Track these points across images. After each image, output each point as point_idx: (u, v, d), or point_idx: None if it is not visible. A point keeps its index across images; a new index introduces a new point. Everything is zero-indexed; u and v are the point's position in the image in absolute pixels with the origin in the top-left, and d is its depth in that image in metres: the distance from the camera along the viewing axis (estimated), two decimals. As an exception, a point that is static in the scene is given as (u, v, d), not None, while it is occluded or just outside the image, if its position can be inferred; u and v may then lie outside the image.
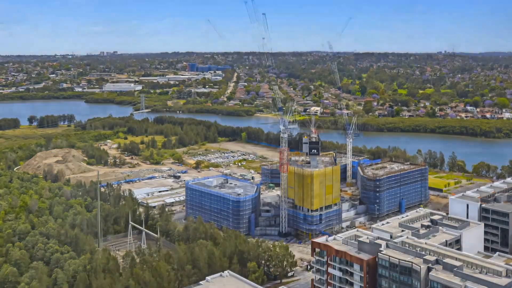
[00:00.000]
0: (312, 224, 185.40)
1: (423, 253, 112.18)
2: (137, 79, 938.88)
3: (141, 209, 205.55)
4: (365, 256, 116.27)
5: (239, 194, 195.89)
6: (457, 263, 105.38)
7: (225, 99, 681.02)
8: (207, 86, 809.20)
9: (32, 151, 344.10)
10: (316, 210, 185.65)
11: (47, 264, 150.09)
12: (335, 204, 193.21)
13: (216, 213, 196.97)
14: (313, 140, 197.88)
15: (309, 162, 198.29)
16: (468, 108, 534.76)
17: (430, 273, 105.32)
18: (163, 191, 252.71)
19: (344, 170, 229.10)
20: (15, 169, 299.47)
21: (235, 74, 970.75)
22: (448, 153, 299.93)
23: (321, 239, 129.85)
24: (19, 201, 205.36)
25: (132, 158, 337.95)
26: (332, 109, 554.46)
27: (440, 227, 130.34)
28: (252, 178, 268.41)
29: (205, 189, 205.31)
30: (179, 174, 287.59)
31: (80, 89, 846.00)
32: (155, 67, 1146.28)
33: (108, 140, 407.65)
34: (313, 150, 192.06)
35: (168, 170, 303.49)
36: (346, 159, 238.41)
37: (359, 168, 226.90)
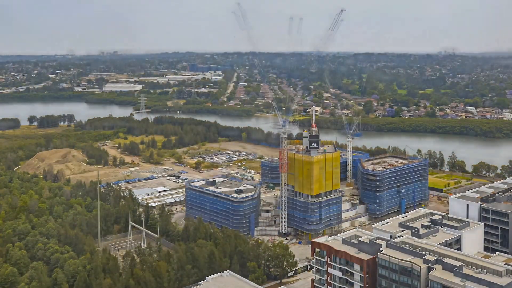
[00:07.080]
0: (312, 209, 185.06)
1: (423, 253, 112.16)
2: (137, 79, 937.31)
3: (141, 209, 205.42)
4: (365, 256, 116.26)
5: (239, 194, 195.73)
6: (457, 263, 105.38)
7: (225, 99, 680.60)
8: (207, 86, 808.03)
9: (32, 151, 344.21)
10: (317, 196, 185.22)
11: (47, 264, 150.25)
12: (335, 191, 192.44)
13: (216, 213, 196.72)
14: (313, 134, 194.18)
15: (309, 151, 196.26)
16: (468, 108, 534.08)
17: (430, 273, 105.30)
18: (163, 191, 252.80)
19: (344, 170, 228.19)
20: (15, 169, 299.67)
21: (235, 74, 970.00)
22: (448, 153, 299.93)
23: (321, 239, 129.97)
24: (19, 201, 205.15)
25: (132, 158, 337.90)
26: (332, 109, 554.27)
27: (440, 227, 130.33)
28: (252, 178, 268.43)
29: (205, 189, 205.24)
30: (179, 174, 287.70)
31: (80, 89, 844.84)
32: (155, 67, 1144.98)
33: (108, 140, 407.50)
34: (313, 144, 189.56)
35: (168, 170, 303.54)
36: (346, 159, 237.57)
37: (359, 164, 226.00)
